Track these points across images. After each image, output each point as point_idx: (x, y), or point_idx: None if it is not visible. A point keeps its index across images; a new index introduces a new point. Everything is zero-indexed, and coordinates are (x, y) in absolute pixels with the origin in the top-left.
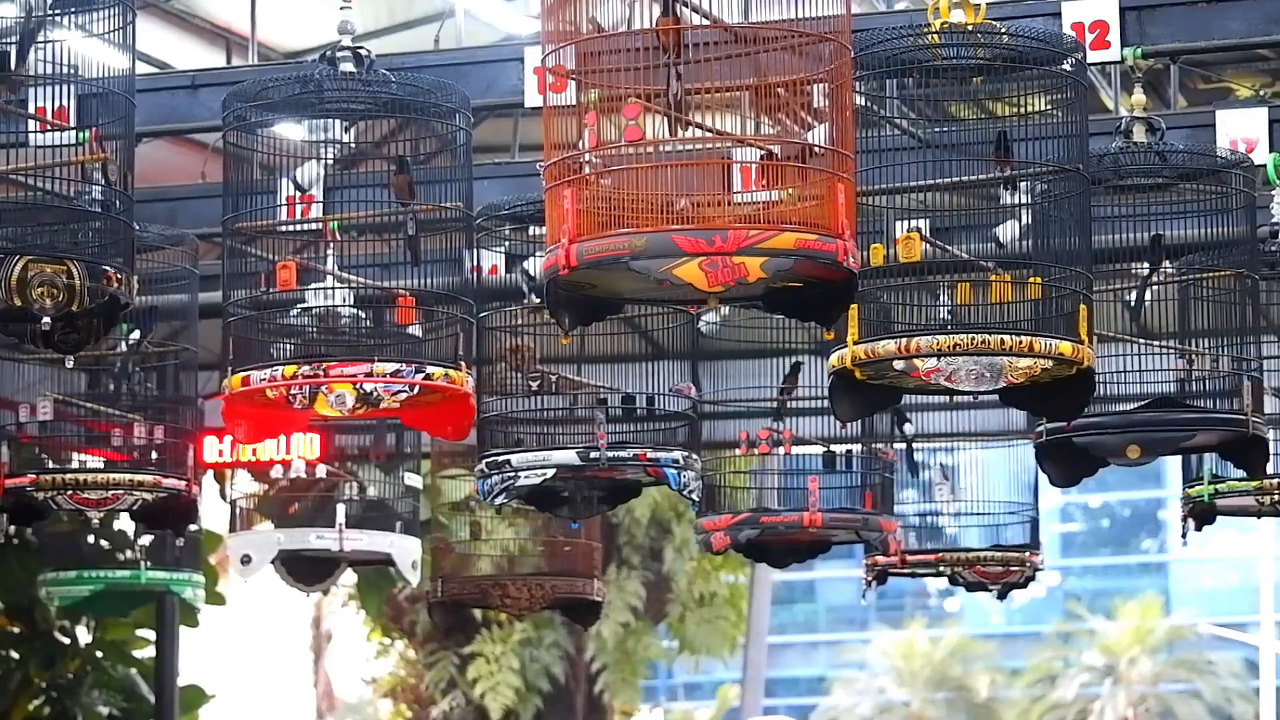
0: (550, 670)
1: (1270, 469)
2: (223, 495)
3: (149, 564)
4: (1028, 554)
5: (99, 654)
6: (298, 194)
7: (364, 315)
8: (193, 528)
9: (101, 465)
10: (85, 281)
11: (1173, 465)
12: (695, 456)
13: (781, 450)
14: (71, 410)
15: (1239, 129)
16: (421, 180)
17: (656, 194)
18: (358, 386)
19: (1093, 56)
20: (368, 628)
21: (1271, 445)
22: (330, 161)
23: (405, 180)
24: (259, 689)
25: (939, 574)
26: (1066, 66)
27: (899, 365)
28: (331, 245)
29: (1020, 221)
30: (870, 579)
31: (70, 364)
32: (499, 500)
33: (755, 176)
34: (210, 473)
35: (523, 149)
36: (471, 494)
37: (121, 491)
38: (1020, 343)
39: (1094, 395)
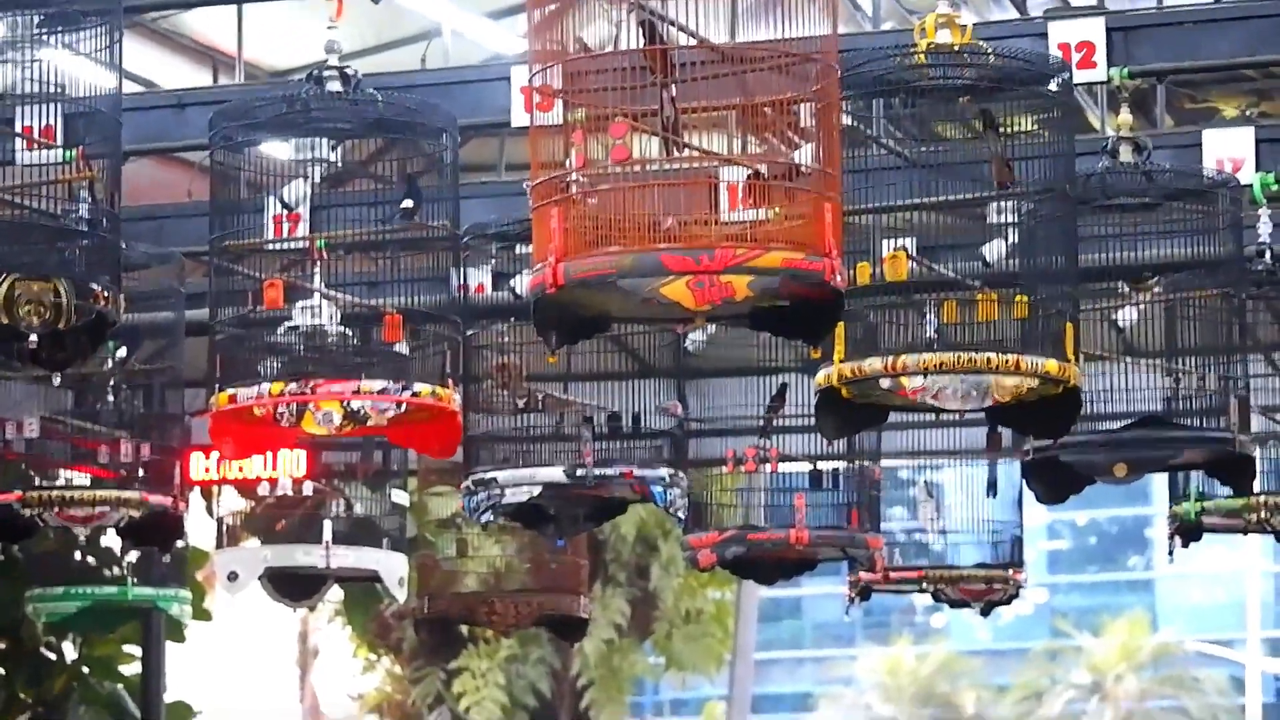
0: (536, 686)
1: (1256, 486)
2: (209, 512)
3: (135, 580)
4: (1011, 571)
5: (86, 670)
6: (285, 212)
7: (351, 333)
8: (179, 544)
9: (88, 482)
10: (72, 299)
11: (1160, 483)
12: (681, 474)
13: (768, 468)
14: (58, 427)
15: (1225, 149)
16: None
17: (643, 213)
18: (345, 404)
19: (1079, 77)
20: (354, 644)
21: (1258, 463)
22: (317, 180)
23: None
24: (246, 705)
25: (922, 590)
26: (1053, 87)
27: (885, 383)
28: (318, 263)
29: (1007, 240)
30: (853, 595)
31: (57, 381)
32: (485, 517)
33: (742, 196)
34: (197, 489)
35: (509, 168)
36: (458, 511)
37: (108, 508)
38: (1006, 361)
39: (1081, 413)
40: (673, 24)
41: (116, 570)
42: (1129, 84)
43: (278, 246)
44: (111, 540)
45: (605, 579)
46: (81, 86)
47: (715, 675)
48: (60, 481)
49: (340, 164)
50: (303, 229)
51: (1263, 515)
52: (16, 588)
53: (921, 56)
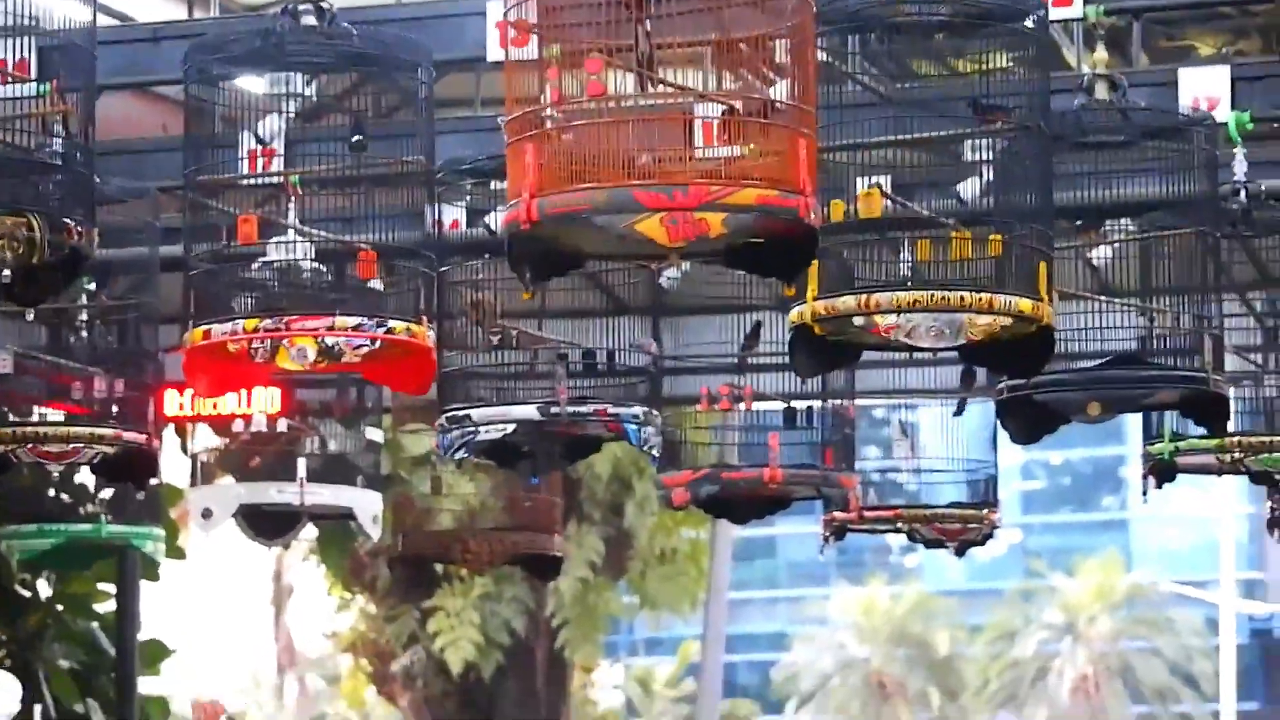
0: (511, 625)
1: (1231, 427)
2: (184, 449)
3: (109, 518)
4: (986, 511)
5: (60, 608)
6: (259, 147)
7: (325, 269)
8: (153, 481)
9: (62, 418)
10: (46, 234)
11: (1134, 423)
12: (656, 412)
13: (742, 406)
14: (32, 363)
15: (1201, 87)
16: (383, 135)
17: (618, 149)
18: (319, 340)
19: (1055, 14)
20: (328, 582)
21: (1232, 403)
22: (291, 115)
23: None
24: (220, 643)
25: (897, 530)
26: (1029, 23)
27: (859, 321)
28: (293, 199)
29: (982, 178)
30: (828, 534)
31: (30, 317)
32: (459, 455)
33: (717, 132)
34: (171, 426)
35: (485, 103)
36: (432, 449)
37: (82, 445)
38: (980, 299)
39: (1055, 352)
40: None
41: (90, 508)
42: (1105, 21)
43: (252, 182)
44: (85, 477)
45: (580, 517)
46: (55, 20)
47: (690, 614)
48: (34, 418)
49: (315, 99)
50: (277, 164)
51: (1237, 456)
52: None
53: None
